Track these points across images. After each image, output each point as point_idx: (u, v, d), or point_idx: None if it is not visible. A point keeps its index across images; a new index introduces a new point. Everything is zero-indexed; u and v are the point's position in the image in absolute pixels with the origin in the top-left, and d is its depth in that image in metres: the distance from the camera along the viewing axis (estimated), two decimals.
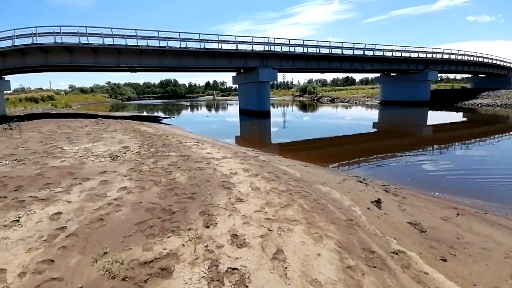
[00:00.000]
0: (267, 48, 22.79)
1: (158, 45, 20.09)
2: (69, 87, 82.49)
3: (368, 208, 3.88)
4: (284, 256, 2.57)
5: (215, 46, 21.82)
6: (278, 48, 23.23)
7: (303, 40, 24.63)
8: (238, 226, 3.08)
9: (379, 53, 27.10)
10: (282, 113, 30.74)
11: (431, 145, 10.51)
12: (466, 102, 27.91)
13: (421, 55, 28.91)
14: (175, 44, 20.62)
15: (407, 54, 28.30)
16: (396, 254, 2.74)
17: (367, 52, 26.51)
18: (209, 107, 45.29)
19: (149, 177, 4.67)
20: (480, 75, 37.98)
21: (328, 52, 24.97)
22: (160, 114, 30.52)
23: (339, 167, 7.51)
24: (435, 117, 21.47)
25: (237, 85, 29.92)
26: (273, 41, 22.99)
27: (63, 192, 4.02)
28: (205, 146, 7.97)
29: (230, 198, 3.84)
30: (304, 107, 39.07)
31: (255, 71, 23.17)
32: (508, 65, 35.01)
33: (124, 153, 6.58)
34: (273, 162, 6.43)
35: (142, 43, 19.61)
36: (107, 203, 3.63)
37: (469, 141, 11.28)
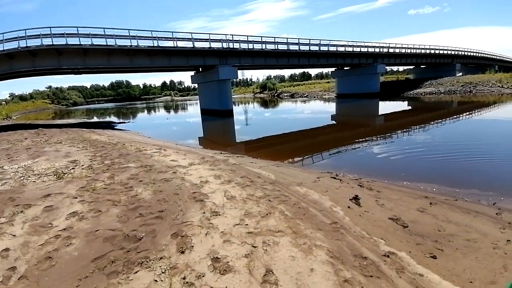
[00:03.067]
0: (225, 45, 22.23)
1: (105, 43, 18.32)
2: (9, 96, 73.19)
3: (349, 207, 3.78)
4: (275, 278, 2.29)
5: (170, 44, 20.66)
6: (236, 45, 22.83)
7: (261, 36, 24.49)
8: (218, 247, 2.72)
9: (333, 49, 28.24)
10: (244, 110, 30.51)
11: (385, 133, 11.14)
12: (411, 92, 30.58)
13: (370, 49, 30.84)
14: (125, 42, 19.01)
15: (357, 49, 29.94)
16: (388, 256, 2.63)
17: (322, 48, 27.42)
18: (167, 109, 43.21)
19: (106, 196, 4.03)
20: (421, 66, 41.89)
21: (286, 48, 25.28)
22: (114, 119, 28.19)
23: (310, 164, 7.48)
24: (385, 107, 23.08)
25: (196, 85, 28.85)
26: (231, 38, 22.52)
27: (7, 223, 3.27)
28: (168, 152, 7.35)
29: (204, 213, 3.44)
30: (265, 103, 39.33)
31: (215, 69, 22.50)
32: (451, 52, 38.64)
33: (72, 168, 5.70)
34: (244, 164, 6.12)
35: (86, 42, 17.71)
36: (54, 236, 2.99)
37: (416, 126, 12.21)
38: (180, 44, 20.93)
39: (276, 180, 4.96)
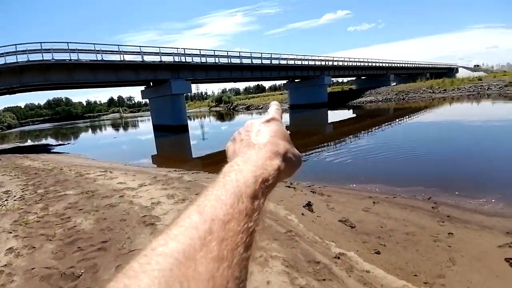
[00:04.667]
0: (177, 59, 21.86)
1: (42, 58, 16.65)
2: None
3: (303, 214, 3.91)
4: None
5: (116, 57, 19.59)
6: (189, 59, 22.62)
7: (214, 50, 24.70)
8: None
9: (284, 62, 29.71)
10: (200, 125, 30.06)
11: (334, 139, 11.95)
12: (355, 101, 33.47)
13: (317, 62, 33.16)
14: (64, 56, 17.51)
15: (306, 62, 31.96)
16: (338, 258, 2.77)
17: (273, 61, 28.66)
18: (116, 126, 40.46)
19: (39, 230, 3.56)
20: (362, 77, 46.24)
21: (239, 62, 25.84)
22: (51, 141, 25.38)
23: None
24: (333, 116, 24.83)
25: (147, 100, 27.65)
26: (183, 52, 22.25)
27: None
28: (115, 174, 6.82)
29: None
30: (221, 116, 39.31)
31: (167, 83, 21.88)
32: (385, 65, 43.50)
33: (6, 200, 4.95)
34: (200, 181, 5.97)
35: (22, 58, 15.89)
36: None
37: (361, 132, 13.36)
38: (128, 57, 20.03)
39: None
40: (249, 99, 61.18)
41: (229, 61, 25.10)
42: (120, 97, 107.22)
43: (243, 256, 0.21)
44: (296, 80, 36.36)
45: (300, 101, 35.05)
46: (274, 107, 0.42)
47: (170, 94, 21.87)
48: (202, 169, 8.26)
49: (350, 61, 37.40)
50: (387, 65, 43.50)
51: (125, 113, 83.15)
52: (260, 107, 43.95)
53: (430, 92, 29.05)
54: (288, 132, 0.36)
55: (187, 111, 28.76)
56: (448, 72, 58.30)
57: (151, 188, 5.28)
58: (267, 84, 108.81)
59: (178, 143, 17.56)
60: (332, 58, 35.15)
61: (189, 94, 74.07)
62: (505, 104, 18.68)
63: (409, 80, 41.69)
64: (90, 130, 37.59)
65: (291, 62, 30.34)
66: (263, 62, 27.73)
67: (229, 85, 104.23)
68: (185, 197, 4.64)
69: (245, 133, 0.36)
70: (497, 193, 4.26)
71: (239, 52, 26.55)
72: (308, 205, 4.27)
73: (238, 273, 0.20)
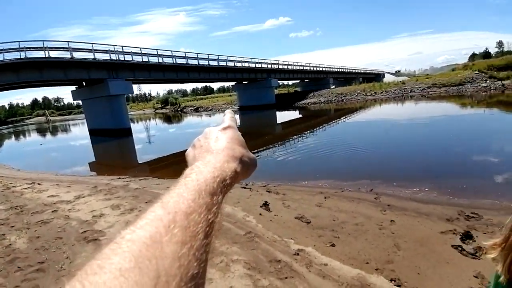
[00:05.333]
0: (114, 57, 20.01)
1: None
2: None
3: (260, 214, 3.92)
4: None
5: (41, 54, 17.06)
6: (129, 58, 20.94)
7: (157, 49, 23.29)
8: None
9: (231, 64, 29.73)
10: (145, 127, 28.12)
11: (284, 139, 12.42)
12: (300, 102, 35.34)
13: (264, 65, 34.05)
14: None
15: (253, 65, 32.56)
16: (298, 254, 2.83)
17: (221, 63, 28.44)
18: (42, 132, 35.35)
19: None
20: (305, 80, 49.14)
21: (185, 62, 24.96)
22: None
23: None
24: (282, 116, 25.82)
25: (80, 101, 24.73)
26: (121, 50, 20.49)
27: None
28: (44, 186, 5.90)
29: None
30: (168, 119, 37.45)
31: (103, 83, 19.85)
32: (325, 69, 47.00)
33: None
34: (149, 187, 5.54)
35: None
36: None
37: (307, 131, 14.18)
38: (55, 54, 17.62)
39: None
40: (197, 100, 59.65)
41: (174, 61, 24.06)
42: (45, 98, 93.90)
43: (204, 242, 0.23)
44: (244, 82, 36.75)
45: (249, 103, 35.53)
46: (228, 116, 0.45)
47: (108, 95, 19.91)
48: (151, 175, 7.70)
49: (295, 65, 39.40)
50: (327, 69, 47.09)
51: (52, 116, 72.99)
52: (210, 109, 43.21)
53: (363, 94, 32.36)
54: (243, 139, 0.39)
55: (130, 113, 26.67)
56: (376, 77, 65.93)
57: (91, 200, 4.69)
58: (215, 85, 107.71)
59: (121, 148, 16.11)
60: (278, 62, 36.52)
61: (130, 95, 68.92)
62: (426, 104, 21.86)
63: (345, 84, 45.84)
64: (13, 137, 32.04)
65: (239, 64, 30.57)
66: (210, 64, 27.32)
67: (175, 86, 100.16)
68: (133, 207, 4.24)
69: (204, 140, 0.39)
70: (430, 183, 4.91)
71: (185, 52, 25.73)
72: (265, 204, 4.30)
73: (199, 255, 0.22)
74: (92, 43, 19.19)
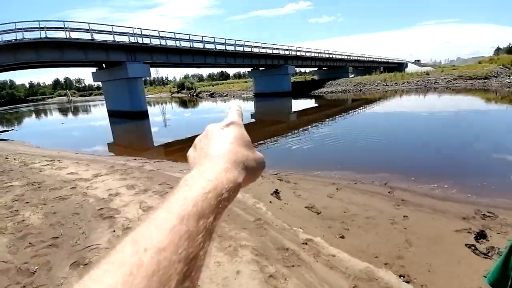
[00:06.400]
0: (133, 39, 20.16)
1: None
2: None
3: (270, 202, 3.94)
4: None
5: (62, 34, 17.46)
6: (147, 41, 21.02)
7: (175, 33, 23.24)
8: None
9: (248, 49, 29.28)
10: (161, 111, 28.61)
11: (299, 128, 12.28)
12: (317, 91, 34.62)
13: (281, 52, 33.30)
14: (10, 36, 15.35)
15: (270, 51, 31.92)
16: (306, 244, 2.83)
17: (237, 48, 28.06)
18: (64, 111, 36.70)
19: None
20: (323, 68, 47.80)
21: (202, 46, 24.80)
22: None
23: None
24: (297, 105, 25.44)
25: (100, 83, 25.34)
26: (139, 32, 20.58)
27: None
28: (64, 164, 6.16)
29: (114, 231, 2.99)
30: (184, 103, 37.84)
31: (122, 65, 20.17)
32: (345, 57, 45.34)
33: None
34: (163, 169, 5.67)
35: None
36: None
37: (323, 120, 13.92)
38: (75, 35, 17.96)
39: None
40: (213, 85, 59.74)
41: (191, 45, 23.95)
42: (67, 79, 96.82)
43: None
44: (260, 69, 36.24)
45: (265, 90, 35.17)
46: (234, 109, 0.40)
47: (126, 78, 20.25)
48: (165, 158, 7.87)
49: (313, 52, 38.28)
50: (346, 57, 45.44)
51: (73, 96, 75.44)
52: (225, 95, 43.20)
53: (383, 85, 31.21)
54: (248, 138, 0.34)
55: (147, 96, 27.12)
56: (399, 66, 63.06)
57: (108, 179, 4.87)
58: (231, 71, 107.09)
59: (138, 130, 16.51)
60: (295, 48, 35.59)
61: (148, 78, 69.94)
62: (451, 96, 20.85)
63: (365, 73, 44.23)
64: (34, 115, 33.53)
65: (256, 50, 30.05)
66: (227, 49, 27.01)
67: (191, 71, 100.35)
68: (147, 188, 4.36)
69: (204, 140, 0.35)
70: (449, 179, 4.73)
71: (202, 36, 25.34)
72: (276, 192, 4.31)
73: None
74: (112, 25, 19.35)
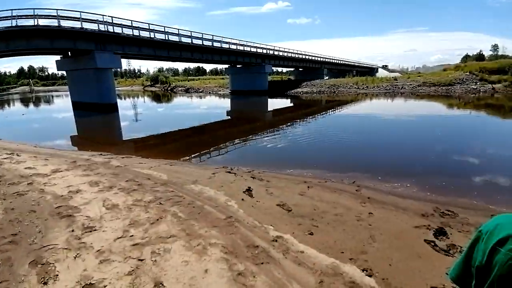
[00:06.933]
0: (103, 28, 19.01)
1: None
2: None
3: (243, 199, 3.91)
4: None
5: (30, 22, 16.20)
6: (118, 30, 19.95)
7: (149, 24, 22.26)
8: (92, 270, 2.25)
9: (226, 46, 28.93)
10: (133, 105, 27.40)
11: (274, 126, 12.39)
12: (293, 91, 35.15)
13: (259, 50, 33.33)
14: None
15: (248, 49, 31.82)
16: (276, 241, 2.85)
17: (215, 44, 27.61)
18: (25, 102, 33.85)
19: None
20: (300, 69, 48.63)
21: (178, 40, 24.06)
22: None
23: (207, 159, 7.40)
24: (273, 104, 25.67)
25: (64, 72, 23.62)
26: (110, 21, 19.46)
27: None
28: (23, 157, 5.67)
29: (73, 231, 2.80)
30: (157, 97, 36.55)
31: (90, 55, 18.95)
32: (321, 59, 46.47)
33: None
34: (131, 166, 5.41)
35: None
36: None
37: (297, 120, 14.18)
38: (43, 22, 16.71)
39: (169, 180, 4.61)
40: (188, 81, 58.37)
41: (167, 38, 23.14)
42: (31, 68, 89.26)
43: None
44: (238, 66, 36.03)
45: (242, 87, 35.03)
46: None
47: (94, 68, 19.08)
48: (135, 153, 7.53)
49: (290, 52, 38.79)
50: (322, 59, 46.63)
51: (36, 86, 69.76)
52: (201, 91, 42.39)
53: (356, 87, 32.46)
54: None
55: (117, 88, 25.82)
56: (370, 71, 66.03)
57: (69, 174, 4.55)
58: (208, 67, 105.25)
59: (105, 123, 15.66)
60: (273, 48, 35.83)
61: (119, 70, 66.62)
62: (415, 102, 22.17)
63: (339, 75, 45.66)
64: None
65: (233, 47, 29.80)
66: (204, 44, 26.48)
67: (166, 64, 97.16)
68: (112, 184, 4.14)
69: None
70: (411, 178, 5.02)
71: (178, 29, 24.58)
72: (248, 190, 4.29)
73: None
74: (80, 12, 18.11)
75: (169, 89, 48.17)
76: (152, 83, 56.17)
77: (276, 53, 35.98)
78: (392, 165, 6.35)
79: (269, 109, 22.50)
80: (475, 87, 26.38)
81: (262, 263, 2.45)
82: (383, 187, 4.64)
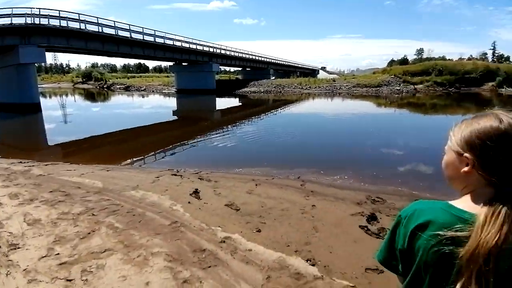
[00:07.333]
0: (30, 21, 16.48)
1: None
2: None
3: (189, 202, 3.76)
4: None
5: None
6: (44, 21, 17.42)
7: (79, 14, 19.91)
8: None
9: (170, 42, 27.62)
10: (60, 104, 24.23)
11: (223, 125, 12.30)
12: (241, 90, 35.38)
13: (205, 48, 32.66)
14: None
15: (194, 46, 30.92)
16: (224, 242, 2.80)
17: (158, 40, 26.13)
18: None
19: None
20: (247, 68, 49.20)
21: (115, 33, 22.08)
22: None
23: (151, 162, 6.93)
24: (221, 103, 25.48)
25: None
26: (37, 13, 16.91)
27: None
28: None
29: (0, 247, 2.32)
30: (91, 96, 33.03)
31: (15, 50, 16.25)
32: (267, 60, 47.72)
33: None
34: (57, 174, 4.75)
35: None
36: None
37: (246, 119, 14.34)
38: None
39: (104, 187, 4.18)
40: (128, 78, 54.08)
41: (101, 30, 21.04)
42: None
43: None
44: (184, 64, 34.74)
45: (188, 86, 33.89)
46: None
47: (17, 64, 16.40)
48: (62, 159, 6.64)
49: (238, 52, 38.96)
50: (268, 60, 48.01)
51: None
52: (143, 89, 39.69)
53: (300, 88, 34.26)
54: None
55: (40, 86, 22.54)
56: (312, 72, 70.47)
57: None
58: (151, 64, 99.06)
59: (26, 126, 13.54)
60: (220, 46, 35.52)
61: (43, 64, 58.29)
62: (351, 101, 24.32)
63: (284, 76, 47.67)
64: None
65: (178, 43, 28.63)
66: (145, 39, 24.85)
67: (101, 60, 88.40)
68: (33, 197, 3.57)
69: None
70: (349, 170, 5.47)
71: (114, 22, 22.57)
72: (195, 192, 4.15)
73: None
74: (12, 8, 15.50)
75: (105, 86, 43.93)
76: (84, 79, 50.44)
77: (223, 52, 35.76)
78: (332, 159, 6.86)
79: (217, 108, 22.26)
80: (399, 88, 30.18)
81: (209, 267, 2.38)
82: (325, 180, 4.98)
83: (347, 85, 33.21)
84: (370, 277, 2.30)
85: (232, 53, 37.76)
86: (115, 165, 6.31)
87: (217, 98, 28.31)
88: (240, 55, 39.58)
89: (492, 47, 62.43)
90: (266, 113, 17.27)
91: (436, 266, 0.62)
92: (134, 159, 7.19)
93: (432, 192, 4.33)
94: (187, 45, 29.74)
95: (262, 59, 45.60)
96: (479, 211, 0.60)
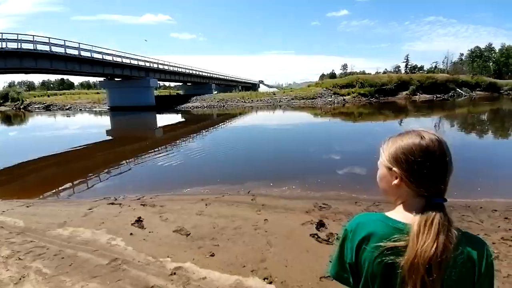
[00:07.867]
0: None
1: None
2: None
3: (131, 234, 3.39)
4: None
5: None
6: None
7: None
8: None
9: (99, 56, 25.44)
10: None
11: (166, 144, 11.67)
12: (183, 106, 34.33)
13: (141, 63, 30.99)
14: None
15: (128, 61, 29.06)
16: (174, 273, 2.58)
17: (83, 53, 23.81)
18: None
19: None
20: (188, 83, 48.21)
21: (33, 48, 19.36)
22: None
23: (83, 191, 6.09)
24: (163, 119, 24.27)
25: None
26: None
27: None
28: None
29: None
30: (7, 119, 27.95)
31: None
32: (208, 74, 47.52)
33: None
34: None
35: None
36: None
37: (191, 135, 13.92)
38: None
39: (26, 227, 3.50)
40: (49, 96, 47.63)
41: (20, 46, 18.31)
42: None
43: None
44: (116, 79, 32.27)
45: (124, 103, 31.46)
46: None
47: None
48: None
49: (177, 67, 38.02)
50: (209, 75, 48.08)
51: None
52: (68, 107, 35.36)
53: (242, 101, 35.00)
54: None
55: None
56: (253, 86, 73.18)
57: None
58: (76, 79, 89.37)
59: None
60: (157, 61, 34.19)
61: None
62: (291, 113, 25.74)
63: (226, 90, 48.21)
64: None
65: (109, 58, 26.57)
66: (67, 52, 22.39)
67: (18, 77, 76.37)
68: None
69: None
70: (296, 180, 5.67)
71: (33, 36, 19.84)
72: (138, 221, 3.77)
73: None
74: None
75: (21, 107, 37.82)
76: (1, 101, 42.47)
77: (161, 66, 34.52)
78: (280, 169, 7.06)
79: (158, 125, 21.10)
80: (331, 99, 33.34)
81: None
82: (275, 192, 5.07)
83: (286, 98, 35.25)
84: (324, 285, 2.37)
85: (171, 68, 36.72)
86: (37, 199, 5.36)
87: (157, 115, 26.89)
88: (180, 70, 38.74)
89: (405, 60, 72.97)
90: (212, 128, 17.05)
91: (382, 276, 0.65)
92: (60, 188, 6.24)
93: (368, 193, 4.76)
94: (119, 59, 27.81)
95: (203, 74, 45.48)
96: (412, 220, 0.65)
